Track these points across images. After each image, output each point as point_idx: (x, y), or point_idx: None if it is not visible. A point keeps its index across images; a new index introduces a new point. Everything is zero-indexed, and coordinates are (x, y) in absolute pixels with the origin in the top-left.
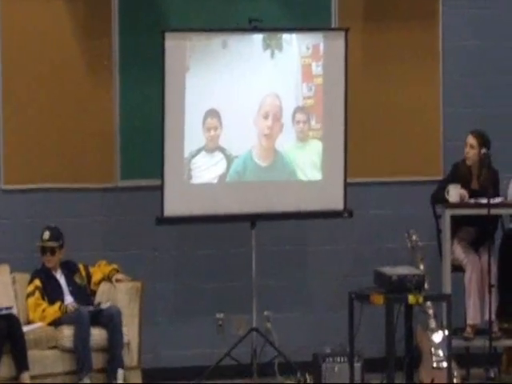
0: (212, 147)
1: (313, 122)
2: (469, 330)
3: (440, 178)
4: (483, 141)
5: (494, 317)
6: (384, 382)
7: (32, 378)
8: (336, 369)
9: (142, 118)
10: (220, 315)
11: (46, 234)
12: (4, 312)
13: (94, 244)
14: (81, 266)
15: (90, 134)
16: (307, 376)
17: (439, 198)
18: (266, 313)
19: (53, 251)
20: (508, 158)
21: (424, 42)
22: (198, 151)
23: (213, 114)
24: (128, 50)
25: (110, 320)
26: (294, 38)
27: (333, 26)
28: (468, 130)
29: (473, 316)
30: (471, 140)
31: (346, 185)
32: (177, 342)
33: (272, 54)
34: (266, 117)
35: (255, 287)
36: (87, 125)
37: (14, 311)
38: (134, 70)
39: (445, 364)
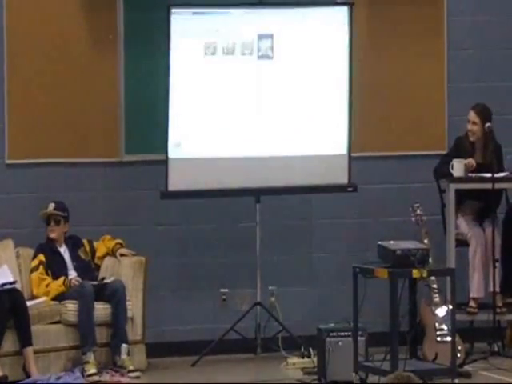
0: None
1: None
2: (472, 303)
3: (445, 152)
4: (485, 116)
5: (498, 291)
6: (387, 356)
7: (35, 352)
8: (340, 343)
9: (146, 92)
10: (224, 290)
11: (51, 205)
12: (8, 287)
13: (98, 219)
14: (85, 241)
15: (94, 109)
16: (311, 350)
17: (443, 173)
18: (270, 287)
19: (57, 221)
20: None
21: (429, 16)
22: None
23: None
24: (133, 24)
25: (114, 294)
26: (300, 12)
27: (338, 0)
28: (472, 105)
29: (476, 290)
30: (473, 117)
31: (351, 159)
32: (181, 317)
33: None
34: None
35: (259, 262)
36: (92, 99)
37: (18, 286)
38: (139, 45)
39: (448, 338)
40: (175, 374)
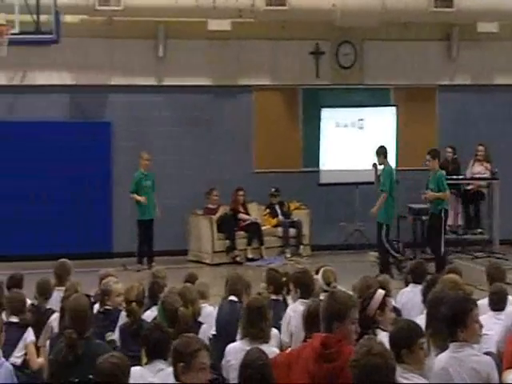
0: None
1: None
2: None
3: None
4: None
5: None
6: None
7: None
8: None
9: (312, 137)
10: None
11: (273, 189)
12: (252, 221)
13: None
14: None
15: (293, 146)
16: None
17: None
18: None
19: (275, 195)
20: None
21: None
22: None
23: None
24: (307, 114)
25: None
26: (376, 109)
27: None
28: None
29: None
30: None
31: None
32: None
33: None
34: None
35: None
36: (288, 143)
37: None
38: (308, 118)
39: None
40: None
